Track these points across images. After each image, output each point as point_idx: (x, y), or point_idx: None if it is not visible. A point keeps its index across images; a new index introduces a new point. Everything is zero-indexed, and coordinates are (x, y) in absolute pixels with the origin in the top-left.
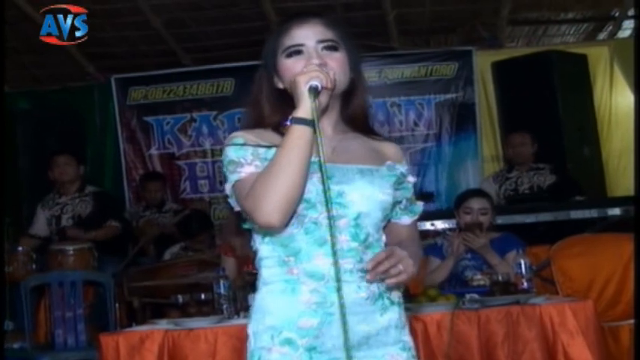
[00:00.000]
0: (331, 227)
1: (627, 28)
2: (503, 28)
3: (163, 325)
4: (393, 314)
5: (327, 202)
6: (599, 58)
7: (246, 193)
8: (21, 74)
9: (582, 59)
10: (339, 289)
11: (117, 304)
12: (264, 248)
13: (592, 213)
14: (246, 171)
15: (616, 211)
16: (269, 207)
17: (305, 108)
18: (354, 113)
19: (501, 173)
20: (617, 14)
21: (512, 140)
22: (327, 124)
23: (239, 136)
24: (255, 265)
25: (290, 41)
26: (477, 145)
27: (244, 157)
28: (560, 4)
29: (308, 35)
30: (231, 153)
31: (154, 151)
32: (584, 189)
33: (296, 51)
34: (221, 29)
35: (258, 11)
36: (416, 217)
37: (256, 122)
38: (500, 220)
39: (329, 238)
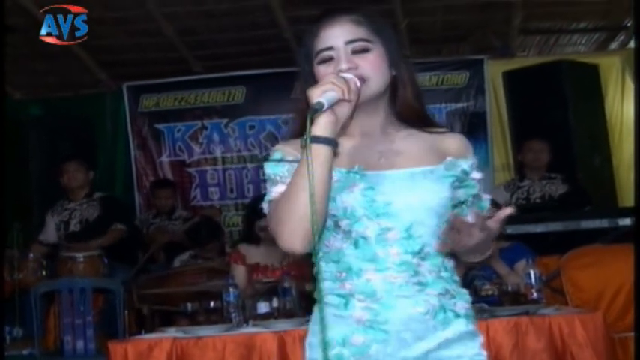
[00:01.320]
0: (314, 235)
1: None
2: (515, 38)
3: (172, 332)
4: (459, 327)
5: (313, 225)
6: (611, 67)
7: (270, 216)
8: (33, 81)
9: (594, 69)
10: (320, 289)
11: (126, 311)
12: (320, 262)
13: (602, 223)
14: (278, 191)
15: (626, 222)
16: (288, 232)
17: (320, 124)
18: (402, 110)
19: (513, 182)
20: (628, 24)
21: (531, 146)
22: (375, 127)
23: (278, 150)
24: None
25: (320, 44)
26: (488, 154)
27: (280, 174)
28: (572, 13)
29: (337, 36)
30: (268, 170)
31: (164, 159)
32: (594, 199)
33: (327, 56)
34: (232, 37)
35: (269, 19)
36: (484, 212)
37: (300, 131)
38: (510, 229)
39: (380, 252)
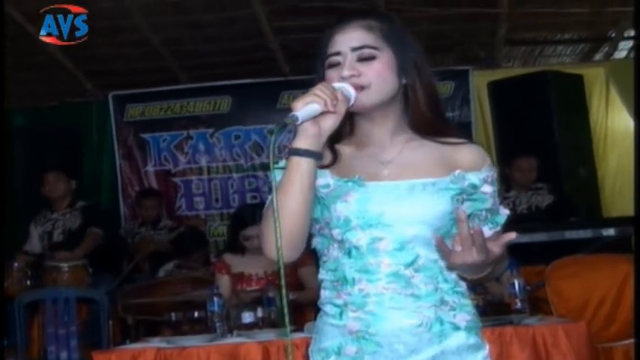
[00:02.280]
0: (277, 240)
1: (623, 49)
2: (500, 48)
3: (156, 342)
4: (457, 340)
5: (276, 232)
6: (596, 78)
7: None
8: (19, 91)
9: (578, 80)
10: (280, 287)
11: (110, 321)
12: (321, 270)
13: (587, 233)
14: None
15: (611, 232)
16: (267, 242)
17: (301, 138)
18: (414, 118)
19: (499, 192)
20: (613, 35)
21: (520, 165)
22: (384, 136)
23: (285, 158)
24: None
25: (330, 49)
26: None
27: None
28: (557, 24)
29: (345, 41)
30: (277, 176)
31: (150, 168)
32: (579, 210)
33: (334, 61)
34: (218, 47)
35: (255, 29)
36: (498, 227)
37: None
38: None
39: (371, 262)
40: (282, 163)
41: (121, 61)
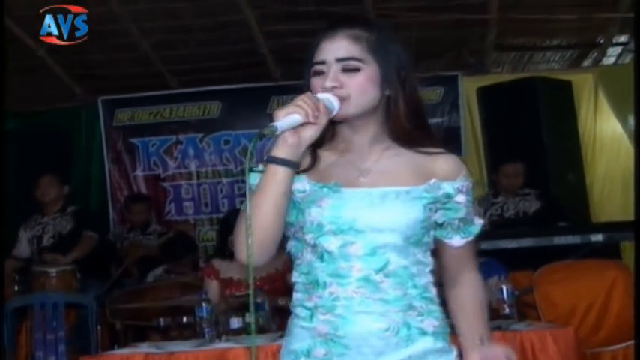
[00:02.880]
0: (247, 237)
1: (611, 55)
2: (489, 54)
3: (145, 348)
4: (424, 344)
5: (247, 229)
6: (584, 84)
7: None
8: (8, 95)
9: (567, 85)
10: (250, 287)
11: (99, 326)
12: (294, 273)
13: (575, 239)
14: None
15: (599, 237)
16: (239, 247)
17: (280, 147)
18: (394, 129)
19: (487, 198)
20: (601, 41)
21: (506, 171)
22: (362, 144)
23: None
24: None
25: (316, 57)
26: None
27: (255, 185)
28: (546, 30)
29: (331, 51)
30: (251, 180)
31: (139, 173)
32: (567, 214)
33: (319, 70)
34: (208, 52)
35: (245, 34)
36: (470, 237)
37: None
38: (484, 245)
39: (343, 267)
40: (261, 167)
41: (111, 65)
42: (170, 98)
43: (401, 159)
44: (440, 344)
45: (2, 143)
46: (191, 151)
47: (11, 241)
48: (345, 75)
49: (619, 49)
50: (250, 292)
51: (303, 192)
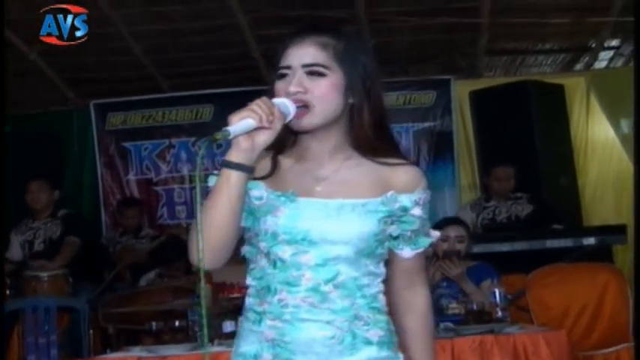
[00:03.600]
0: (200, 262)
1: (603, 59)
2: (481, 58)
3: (137, 352)
4: (368, 353)
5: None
6: (576, 88)
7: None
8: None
9: (559, 89)
10: (200, 283)
11: (91, 331)
12: (248, 277)
13: (567, 242)
14: None
15: (591, 241)
16: (193, 250)
17: (234, 151)
18: (356, 138)
19: (479, 202)
20: (593, 45)
21: (497, 174)
22: (323, 152)
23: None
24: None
25: (282, 62)
26: (455, 173)
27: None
28: (538, 34)
29: (297, 56)
30: (209, 182)
31: (131, 177)
32: (561, 217)
33: (284, 74)
34: (200, 56)
35: (238, 38)
36: (419, 250)
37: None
38: (477, 248)
39: (294, 275)
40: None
41: (103, 69)
42: (162, 102)
43: (361, 169)
44: (384, 353)
45: (2, 144)
46: (183, 155)
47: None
48: (310, 80)
49: (611, 53)
50: (202, 295)
51: (260, 199)
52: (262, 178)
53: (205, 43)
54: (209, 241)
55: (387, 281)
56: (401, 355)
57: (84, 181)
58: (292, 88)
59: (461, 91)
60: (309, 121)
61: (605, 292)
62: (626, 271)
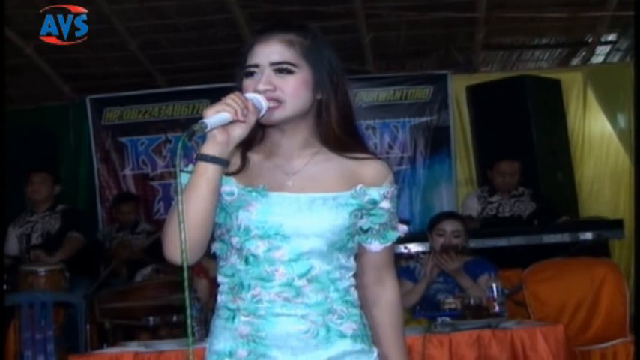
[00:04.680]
0: (183, 252)
1: (600, 54)
2: (478, 53)
3: (134, 347)
4: (343, 346)
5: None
6: (573, 83)
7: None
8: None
9: (556, 84)
10: (184, 280)
11: (88, 326)
12: (218, 275)
13: (564, 237)
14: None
15: (588, 236)
16: (169, 245)
17: (209, 144)
18: (325, 133)
19: (483, 195)
20: (590, 40)
21: (502, 169)
22: (291, 148)
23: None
24: None
25: (249, 60)
26: (452, 168)
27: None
28: (534, 29)
29: (264, 55)
30: (183, 180)
31: (128, 172)
32: (562, 213)
33: (251, 72)
34: (196, 51)
35: (233, 33)
36: (388, 243)
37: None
38: (474, 243)
39: (267, 270)
40: (190, 168)
41: (99, 64)
42: (159, 97)
43: (330, 164)
44: (359, 346)
45: (2, 142)
46: (180, 150)
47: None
48: (278, 78)
49: (607, 48)
50: (186, 293)
51: (232, 195)
52: (232, 174)
53: (201, 39)
54: (186, 235)
55: (356, 276)
56: (375, 349)
57: (79, 176)
58: (261, 86)
59: (457, 85)
60: (279, 114)
61: (602, 286)
62: (623, 266)
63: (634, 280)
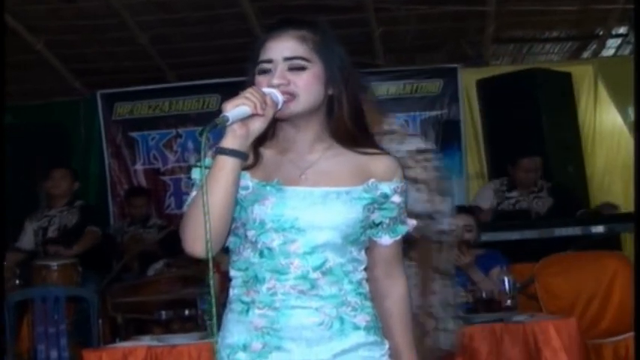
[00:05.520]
0: (207, 243)
1: (611, 47)
2: (488, 46)
3: (146, 341)
4: (357, 339)
5: (206, 221)
6: (584, 76)
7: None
8: (6, 89)
9: (567, 77)
10: (208, 283)
11: (100, 320)
12: (231, 269)
13: (576, 230)
14: (192, 195)
15: (600, 229)
16: (190, 238)
17: (229, 137)
18: (336, 128)
19: (501, 188)
20: (600, 33)
21: (524, 165)
22: (304, 143)
23: (207, 156)
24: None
25: (262, 55)
26: (462, 162)
27: (199, 179)
28: (545, 22)
29: (278, 50)
30: (193, 175)
31: (139, 167)
32: (581, 202)
33: (265, 68)
34: (206, 45)
35: (243, 27)
36: (398, 237)
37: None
38: (485, 237)
39: (282, 263)
40: (206, 162)
41: (109, 59)
42: (169, 92)
43: (341, 159)
44: (372, 338)
45: (2, 141)
46: (190, 145)
47: (14, 234)
48: (292, 73)
49: (618, 41)
50: (211, 283)
51: (247, 189)
52: (246, 169)
53: (211, 33)
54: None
55: (366, 269)
56: (386, 342)
57: (90, 172)
58: (276, 81)
59: (468, 79)
60: (293, 107)
61: (614, 280)
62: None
63: (634, 277)
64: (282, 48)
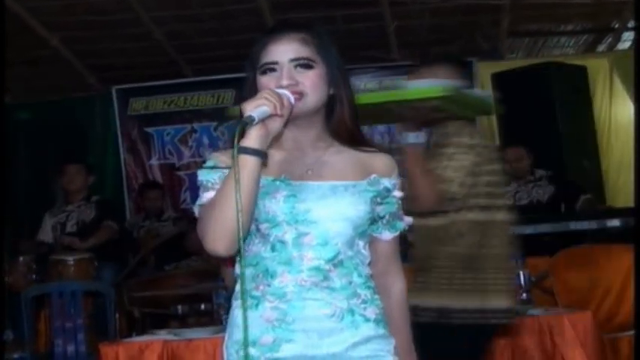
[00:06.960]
0: (240, 241)
1: (627, 40)
2: (503, 40)
3: (163, 335)
4: (367, 331)
5: (239, 220)
6: (599, 69)
7: (199, 220)
8: (21, 86)
9: (582, 71)
10: (242, 286)
11: (117, 314)
12: (238, 266)
13: (591, 224)
14: (208, 196)
15: (615, 223)
16: (213, 236)
17: (250, 137)
18: (337, 127)
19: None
20: (616, 26)
21: (507, 156)
22: (307, 141)
23: (212, 158)
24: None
25: (265, 58)
26: None
27: (212, 180)
28: (560, 16)
29: (282, 52)
30: (201, 176)
31: (154, 162)
32: (583, 189)
33: (270, 69)
34: (221, 40)
35: (257, 22)
36: (397, 233)
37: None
38: None
39: (295, 256)
40: (209, 163)
41: (124, 55)
42: (184, 87)
43: (343, 155)
44: (381, 331)
45: (3, 141)
46: (206, 140)
47: (32, 229)
48: (298, 73)
49: (634, 34)
50: (241, 280)
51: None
52: None
53: (226, 28)
54: (227, 225)
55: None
56: (393, 339)
57: (107, 167)
58: (285, 82)
59: (483, 73)
60: (302, 106)
61: (630, 274)
62: None
63: (634, 278)
64: (288, 49)
